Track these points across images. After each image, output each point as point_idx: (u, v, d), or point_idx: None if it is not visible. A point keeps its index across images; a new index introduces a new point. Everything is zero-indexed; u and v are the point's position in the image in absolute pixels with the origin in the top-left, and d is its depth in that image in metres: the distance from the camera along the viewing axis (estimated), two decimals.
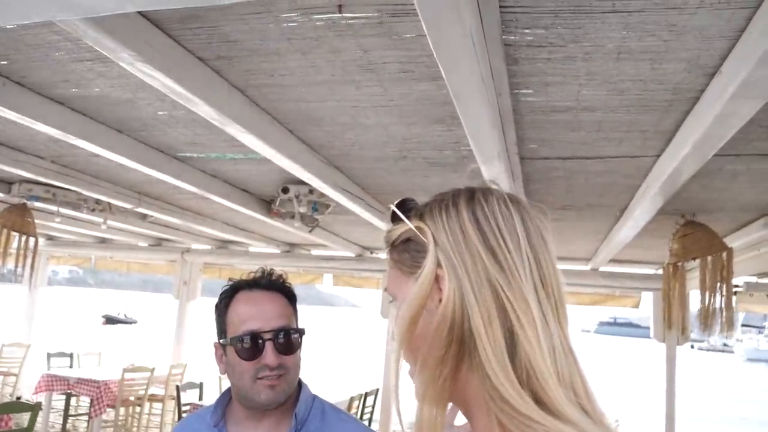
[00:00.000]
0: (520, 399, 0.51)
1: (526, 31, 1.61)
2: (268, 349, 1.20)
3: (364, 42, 1.72)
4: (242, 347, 1.20)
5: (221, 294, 1.29)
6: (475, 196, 0.62)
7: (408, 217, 0.63)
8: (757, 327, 43.88)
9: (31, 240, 4.65)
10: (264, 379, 1.19)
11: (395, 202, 0.65)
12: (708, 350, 40.52)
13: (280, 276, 1.30)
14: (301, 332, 1.26)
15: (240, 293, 1.26)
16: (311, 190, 3.55)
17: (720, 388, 20.03)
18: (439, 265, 0.58)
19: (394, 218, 0.65)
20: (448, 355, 0.56)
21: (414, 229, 0.61)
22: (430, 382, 0.56)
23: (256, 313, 1.22)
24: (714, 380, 22.73)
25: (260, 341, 1.20)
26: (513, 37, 1.65)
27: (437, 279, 0.58)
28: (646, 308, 6.55)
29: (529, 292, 0.56)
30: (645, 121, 2.23)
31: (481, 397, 0.55)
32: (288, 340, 1.23)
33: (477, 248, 0.57)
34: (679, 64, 1.76)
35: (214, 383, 5.91)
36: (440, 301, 0.57)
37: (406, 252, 0.63)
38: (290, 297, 1.30)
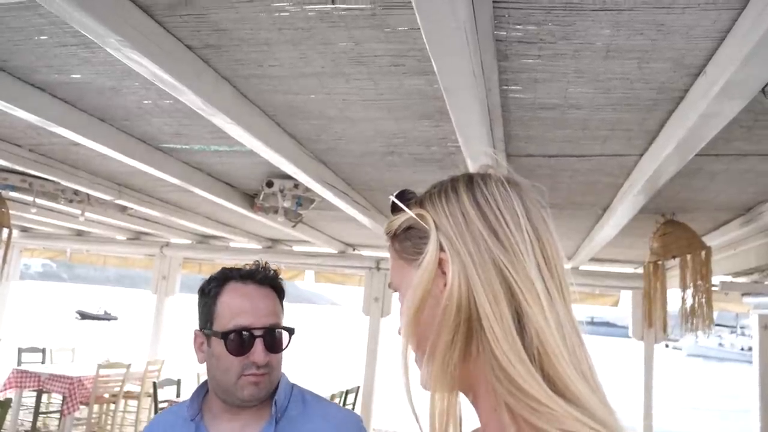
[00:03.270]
0: (530, 378, 0.51)
1: (518, 26, 1.61)
2: (258, 347, 1.17)
3: (356, 34, 1.71)
4: (231, 342, 1.17)
5: (210, 280, 1.25)
6: (473, 180, 0.62)
7: (408, 206, 0.63)
8: (730, 326, 44.78)
9: (5, 231, 4.52)
10: (249, 376, 1.17)
11: (394, 193, 0.65)
12: (680, 349, 41.35)
13: (275, 271, 1.28)
14: (291, 331, 1.24)
15: (232, 283, 1.23)
16: (296, 185, 3.52)
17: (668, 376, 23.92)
18: (441, 249, 0.58)
19: (394, 209, 0.65)
20: (456, 340, 0.56)
21: (414, 216, 0.61)
22: (441, 369, 0.56)
23: (249, 308, 1.19)
24: (665, 371, 26.90)
25: (250, 337, 1.17)
26: (504, 33, 1.65)
27: (440, 263, 0.58)
28: (623, 308, 6.65)
29: (533, 271, 0.56)
30: (630, 120, 2.26)
31: (489, 381, 0.55)
32: (278, 338, 1.21)
33: (479, 230, 0.58)
34: (665, 63, 1.78)
35: (192, 380, 5.83)
36: (445, 285, 0.57)
37: (407, 240, 0.63)
38: (280, 294, 1.28)
